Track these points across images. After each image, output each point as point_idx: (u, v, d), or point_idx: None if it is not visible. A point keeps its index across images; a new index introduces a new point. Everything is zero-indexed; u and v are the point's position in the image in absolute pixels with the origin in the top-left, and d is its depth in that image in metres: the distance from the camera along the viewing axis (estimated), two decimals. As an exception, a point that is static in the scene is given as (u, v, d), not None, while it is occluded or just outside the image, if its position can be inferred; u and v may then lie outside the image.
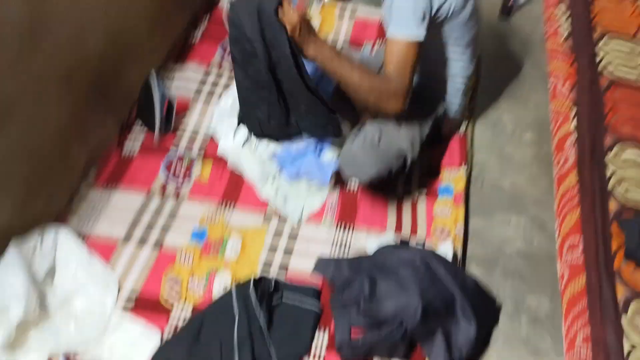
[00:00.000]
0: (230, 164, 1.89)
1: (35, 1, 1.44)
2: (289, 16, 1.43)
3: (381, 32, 2.45)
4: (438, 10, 1.51)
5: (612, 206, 1.19)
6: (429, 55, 1.65)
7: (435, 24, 1.55)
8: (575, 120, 1.36)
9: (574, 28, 1.59)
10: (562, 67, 1.52)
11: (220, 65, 2.28)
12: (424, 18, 1.47)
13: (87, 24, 1.69)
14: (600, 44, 1.54)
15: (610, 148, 1.29)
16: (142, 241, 1.71)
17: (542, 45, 2.37)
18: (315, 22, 2.49)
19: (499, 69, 2.33)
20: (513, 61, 2.39)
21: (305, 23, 1.45)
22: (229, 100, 2.02)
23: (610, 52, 1.52)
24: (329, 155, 1.85)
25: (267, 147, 1.89)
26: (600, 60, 1.50)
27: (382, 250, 1.64)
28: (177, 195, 1.83)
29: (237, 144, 1.91)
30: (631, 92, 1.42)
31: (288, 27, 1.45)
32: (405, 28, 1.47)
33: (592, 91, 1.41)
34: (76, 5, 1.62)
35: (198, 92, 2.16)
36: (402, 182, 1.87)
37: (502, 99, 2.21)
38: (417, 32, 1.47)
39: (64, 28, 1.58)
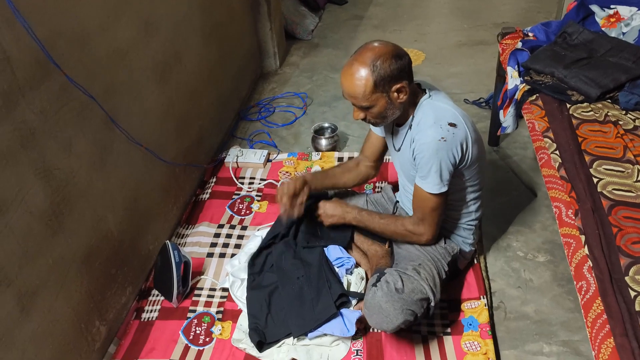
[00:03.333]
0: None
1: (57, 183, 1.54)
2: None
3: (380, 174, 2.56)
4: (457, 162, 1.62)
5: (645, 330, 1.17)
6: (449, 199, 1.76)
7: (455, 172, 1.66)
8: (587, 246, 1.38)
9: (563, 158, 1.67)
10: (562, 196, 1.57)
11: (229, 225, 2.34)
12: (444, 174, 1.60)
13: (107, 199, 1.79)
14: (594, 168, 1.61)
15: (628, 269, 1.30)
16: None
17: (534, 168, 2.49)
18: (317, 168, 2.62)
19: (498, 196, 2.41)
20: (510, 186, 2.48)
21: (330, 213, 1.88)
22: (243, 258, 2.05)
23: (605, 174, 1.59)
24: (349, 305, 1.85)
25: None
26: (597, 184, 1.56)
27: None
28: (199, 359, 1.79)
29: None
30: (633, 210, 1.46)
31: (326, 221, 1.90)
32: (431, 185, 1.61)
33: (596, 215, 1.44)
34: (98, 183, 1.72)
35: (210, 252, 2.21)
36: (425, 322, 1.84)
37: (507, 225, 2.26)
38: (439, 188, 1.62)
39: (85, 206, 1.67)
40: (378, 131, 1.93)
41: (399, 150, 1.77)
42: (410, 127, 1.68)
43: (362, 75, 1.54)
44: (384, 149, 1.98)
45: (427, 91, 1.68)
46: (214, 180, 2.60)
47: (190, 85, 2.43)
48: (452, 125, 1.58)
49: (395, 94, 1.58)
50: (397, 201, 2.03)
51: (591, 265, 1.33)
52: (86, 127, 1.66)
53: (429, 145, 1.57)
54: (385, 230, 1.80)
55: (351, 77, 1.56)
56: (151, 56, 2.07)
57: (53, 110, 1.51)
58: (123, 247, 1.89)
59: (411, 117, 1.68)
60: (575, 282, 1.34)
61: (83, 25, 1.63)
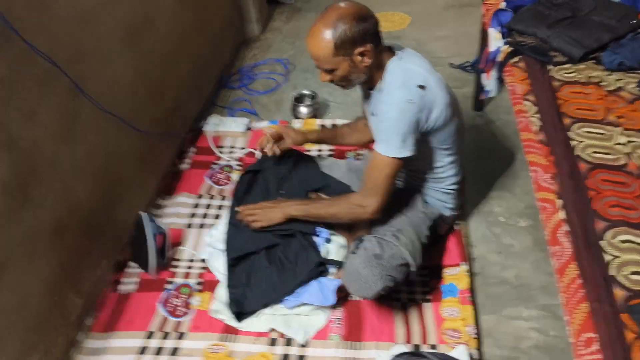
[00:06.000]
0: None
1: (22, 154, 1.49)
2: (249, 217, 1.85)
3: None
4: (424, 126, 1.57)
5: (619, 294, 1.15)
6: (423, 163, 1.73)
7: (424, 135, 1.61)
8: (563, 210, 1.36)
9: (544, 121, 1.63)
10: (540, 160, 1.54)
11: (209, 195, 2.31)
12: (408, 138, 1.53)
13: (77, 170, 1.74)
14: (572, 131, 1.58)
15: (604, 233, 1.27)
16: (144, 387, 1.63)
17: (517, 133, 2.45)
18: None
19: (481, 161, 2.38)
20: (493, 152, 2.45)
21: (260, 214, 1.83)
22: (222, 228, 2.02)
23: (585, 137, 1.56)
24: (329, 274, 1.83)
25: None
26: (576, 147, 1.53)
27: (396, 363, 1.57)
28: (178, 330, 1.78)
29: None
30: (612, 173, 1.43)
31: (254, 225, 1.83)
32: (389, 148, 1.55)
33: (573, 179, 1.41)
34: (65, 153, 1.67)
35: (189, 223, 2.17)
36: (405, 289, 1.83)
37: (489, 190, 2.24)
38: (400, 152, 1.54)
39: (52, 177, 1.62)
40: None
41: (373, 114, 1.72)
42: (380, 91, 1.63)
43: (324, 37, 1.50)
44: None
45: (397, 53, 1.61)
46: (193, 149, 2.55)
47: (163, 51, 2.35)
48: (421, 87, 1.53)
49: (359, 57, 1.53)
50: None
51: (566, 229, 1.31)
52: (50, 95, 1.60)
53: (395, 107, 1.52)
54: (328, 211, 1.74)
55: (314, 38, 1.53)
56: (119, 19, 1.98)
57: (14, 78, 1.45)
58: (96, 219, 1.85)
59: (380, 80, 1.62)
60: (550, 247, 1.32)
61: (43, -14, 1.56)
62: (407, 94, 1.52)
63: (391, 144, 1.54)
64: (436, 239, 1.93)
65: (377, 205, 1.62)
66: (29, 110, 1.52)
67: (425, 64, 1.63)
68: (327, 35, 1.49)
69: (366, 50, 1.52)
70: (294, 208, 1.79)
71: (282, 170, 2.00)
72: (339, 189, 2.00)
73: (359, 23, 1.49)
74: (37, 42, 1.48)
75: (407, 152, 1.55)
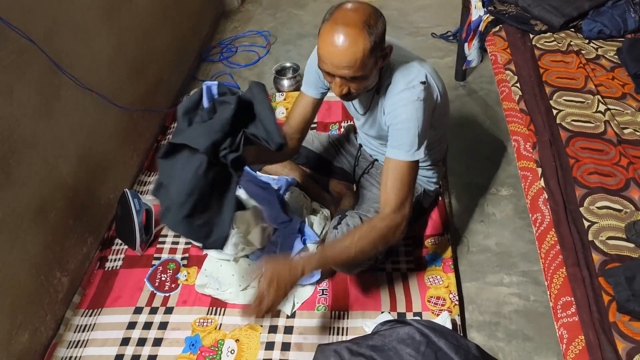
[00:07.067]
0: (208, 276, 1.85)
1: (0, 134, 1.47)
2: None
3: (345, 114, 2.52)
4: (432, 119, 1.50)
5: (596, 258, 1.18)
6: None
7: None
8: (543, 178, 1.38)
9: (524, 90, 1.65)
10: (521, 129, 1.56)
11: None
12: (425, 136, 1.45)
13: (58, 148, 1.72)
14: (554, 100, 1.59)
15: (583, 200, 1.30)
16: (135, 360, 1.65)
17: (500, 103, 2.47)
18: (282, 110, 2.56)
19: (463, 131, 2.40)
20: (476, 122, 2.47)
21: (291, 277, 1.36)
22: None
23: (565, 106, 1.57)
24: (312, 249, 1.85)
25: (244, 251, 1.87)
26: (557, 115, 1.55)
27: (381, 331, 1.60)
28: (166, 305, 1.79)
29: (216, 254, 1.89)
30: (591, 141, 1.45)
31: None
32: (409, 152, 1.45)
33: (553, 147, 1.44)
34: (45, 131, 1.65)
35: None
36: (389, 259, 1.86)
37: (472, 160, 2.26)
38: (420, 153, 1.46)
39: (34, 156, 1.61)
40: (311, 91, 1.67)
41: (364, 114, 1.63)
42: (377, 91, 1.52)
43: (358, 40, 1.29)
44: (312, 117, 1.73)
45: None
46: (176, 125, 2.52)
47: (142, 25, 2.31)
48: (424, 83, 1.44)
49: (381, 58, 1.39)
50: (360, 145, 1.98)
51: (546, 197, 1.33)
52: (28, 73, 1.57)
53: (406, 109, 1.42)
54: (359, 248, 1.43)
55: (342, 44, 1.30)
56: (96, -6, 1.94)
57: (-13, 55, 1.42)
58: (79, 197, 1.84)
59: (378, 80, 1.49)
60: (530, 215, 1.35)
61: (15, -40, 1.51)
62: (414, 93, 1.42)
63: (409, 147, 1.44)
64: (421, 212, 1.95)
65: (406, 220, 1.48)
66: (6, 88, 1.49)
67: (412, 54, 1.54)
68: (361, 38, 1.29)
69: (388, 48, 1.40)
70: (311, 264, 1.41)
71: None
72: (320, 165, 2.00)
73: (383, 19, 1.35)
74: (10, 17, 1.45)
75: (422, 153, 1.45)
